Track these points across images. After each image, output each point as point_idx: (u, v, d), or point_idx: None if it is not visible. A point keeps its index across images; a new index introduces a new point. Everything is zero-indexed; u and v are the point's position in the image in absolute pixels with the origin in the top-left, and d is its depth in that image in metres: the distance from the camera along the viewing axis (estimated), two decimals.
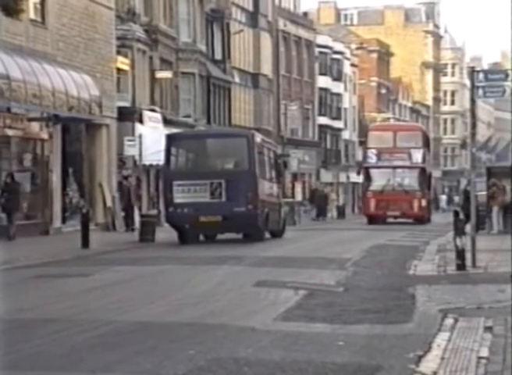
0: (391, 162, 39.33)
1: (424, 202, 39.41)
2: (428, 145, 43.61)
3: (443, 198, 78.99)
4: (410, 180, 39.54)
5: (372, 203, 39.19)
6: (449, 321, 9.35)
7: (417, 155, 39.76)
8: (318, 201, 47.53)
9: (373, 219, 38.55)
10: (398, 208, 38.75)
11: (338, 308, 10.51)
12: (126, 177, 30.75)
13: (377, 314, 10.07)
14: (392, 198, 38.51)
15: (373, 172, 39.85)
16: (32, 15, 26.63)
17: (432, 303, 10.90)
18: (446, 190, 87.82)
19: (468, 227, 16.17)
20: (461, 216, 16.48)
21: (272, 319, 9.81)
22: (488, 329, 8.75)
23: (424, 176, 40.19)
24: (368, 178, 40.25)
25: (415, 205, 38.91)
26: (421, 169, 39.93)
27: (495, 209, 26.00)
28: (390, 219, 39.33)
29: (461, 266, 14.66)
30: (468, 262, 14.86)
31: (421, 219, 38.74)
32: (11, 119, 24.69)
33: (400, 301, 11.20)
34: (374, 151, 40.07)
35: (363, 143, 49.09)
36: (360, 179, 46.64)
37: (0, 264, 16.49)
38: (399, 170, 39.52)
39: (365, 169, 40.50)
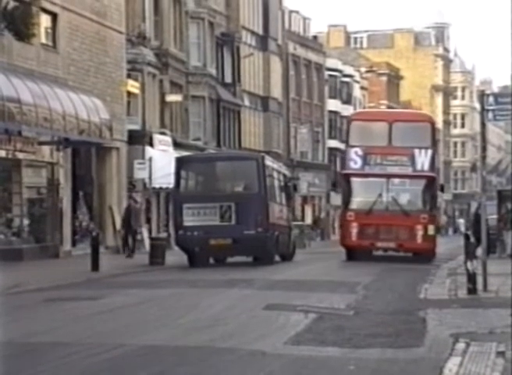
0: (384, 168, 25.60)
1: (431, 229, 25.46)
2: (436, 144, 30.06)
3: (461, 221, 76.88)
4: (412, 195, 26.01)
5: (354, 229, 25.42)
6: (460, 345, 9.29)
7: (424, 159, 25.57)
8: (323, 225, 50.39)
9: (354, 253, 25.86)
10: (393, 238, 25.30)
11: (348, 332, 10.45)
12: (130, 197, 30.07)
13: (388, 338, 10.01)
14: (385, 223, 25.23)
15: (356, 182, 25.79)
16: (43, 39, 26.80)
17: (443, 327, 10.83)
18: (457, 213, 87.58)
19: (479, 251, 16.10)
20: (472, 239, 16.41)
21: (283, 342, 9.76)
22: (501, 354, 8.68)
23: (433, 191, 26.13)
24: (348, 192, 26.00)
25: (418, 232, 25.13)
26: (429, 179, 25.74)
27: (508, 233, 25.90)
28: (379, 252, 26.72)
29: (472, 290, 14.58)
30: (479, 286, 14.78)
31: (426, 254, 25.72)
32: (22, 143, 24.78)
33: (410, 325, 11.14)
34: (358, 151, 25.70)
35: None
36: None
37: (10, 287, 16.49)
38: (395, 181, 25.65)
39: (345, 178, 26.26)
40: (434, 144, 26.97)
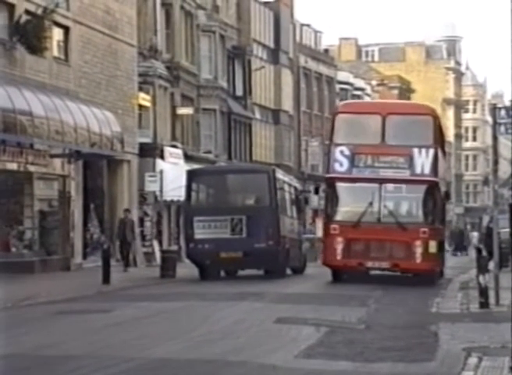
0: (376, 171, 21.58)
1: (433, 246, 21.29)
2: (442, 143, 24.41)
3: (475, 234, 74.22)
4: (410, 204, 22.18)
5: (338, 245, 21.31)
6: (473, 360, 9.24)
7: (424, 160, 21.58)
8: None
9: (340, 273, 22.04)
10: (386, 256, 21.26)
11: (360, 346, 10.41)
12: (126, 210, 29.42)
13: (399, 352, 9.97)
14: (377, 238, 21.19)
15: (342, 188, 21.76)
16: (55, 52, 26.92)
17: (456, 341, 10.78)
18: (469, 227, 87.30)
19: (491, 265, 16.03)
20: (484, 253, 16.36)
21: (294, 356, 9.73)
22: None
23: (435, 199, 21.81)
24: (332, 200, 21.85)
25: (417, 250, 21.05)
26: (430, 185, 21.60)
27: None
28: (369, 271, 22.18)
29: (484, 304, 14.51)
30: (492, 299, 14.71)
31: (430, 274, 21.58)
32: (33, 156, 24.86)
33: (422, 339, 11.09)
34: (345, 150, 21.71)
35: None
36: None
37: (22, 300, 16.50)
38: (389, 187, 21.52)
39: (329, 184, 22.10)
40: (437, 142, 22.22)
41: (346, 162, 21.69)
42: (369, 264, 21.39)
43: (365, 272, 21.84)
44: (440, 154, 22.65)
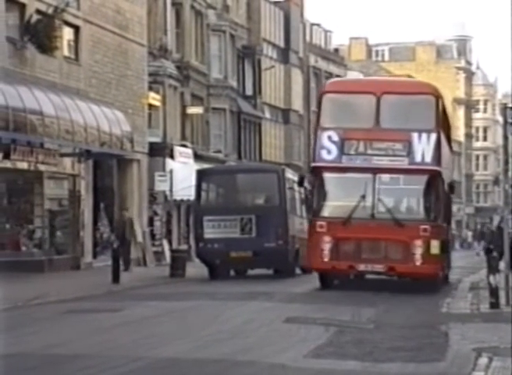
0: (369, 159, 18.84)
1: (435, 246, 18.50)
2: (446, 127, 21.84)
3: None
4: (410, 198, 19.48)
5: (326, 245, 18.74)
6: (483, 360, 9.21)
7: (425, 147, 18.75)
8: None
9: (328, 278, 19.52)
10: (380, 258, 18.63)
11: (369, 346, 10.38)
12: (123, 209, 29.31)
13: (409, 352, 9.93)
14: (370, 236, 18.57)
15: (330, 179, 19.13)
16: (66, 52, 26.95)
17: (466, 342, 10.74)
18: (479, 227, 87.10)
19: (502, 265, 15.98)
20: (495, 253, 16.30)
21: (303, 356, 9.71)
22: None
23: (439, 192, 19.02)
24: (319, 193, 19.23)
25: (418, 250, 18.36)
26: (432, 175, 18.82)
27: None
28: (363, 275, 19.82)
29: (495, 304, 14.46)
30: (502, 300, 14.66)
31: (431, 279, 18.92)
32: (44, 155, 24.90)
33: (432, 339, 11.05)
34: (333, 135, 19.01)
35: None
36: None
37: (31, 299, 16.53)
38: (385, 177, 18.89)
39: (315, 174, 19.42)
40: (439, 125, 19.31)
41: (334, 149, 18.90)
42: (361, 267, 18.62)
43: (359, 276, 19.39)
44: (443, 139, 19.75)
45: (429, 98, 19.21)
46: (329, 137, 18.94)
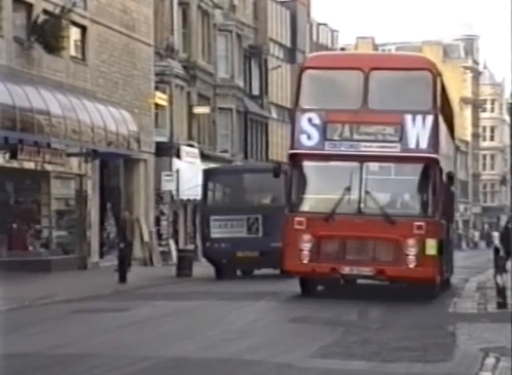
0: (355, 145, 16.48)
1: (431, 245, 16.16)
2: (446, 109, 18.75)
3: (495, 234, 53.95)
4: (403, 190, 17.00)
5: (305, 244, 16.36)
6: (490, 360, 9.19)
7: (420, 131, 16.37)
8: None
9: (308, 283, 17.26)
10: (368, 259, 16.31)
11: (376, 346, 10.37)
12: (125, 210, 29.20)
13: (416, 352, 9.92)
14: (356, 234, 16.27)
15: (310, 169, 16.91)
16: (73, 52, 26.99)
17: (473, 342, 10.72)
18: (486, 226, 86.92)
19: (509, 264, 15.94)
20: (502, 253, 16.25)
21: (309, 355, 9.70)
22: None
23: (436, 183, 16.59)
24: (298, 183, 16.93)
25: (411, 251, 16.03)
26: (428, 163, 16.49)
27: None
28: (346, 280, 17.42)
29: (502, 304, 14.43)
30: (509, 300, 14.62)
31: (428, 283, 16.52)
32: (50, 155, 24.93)
33: (439, 340, 11.03)
34: (314, 118, 16.64)
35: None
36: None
37: (39, 299, 16.56)
38: (373, 166, 16.54)
39: (293, 162, 16.97)
40: (437, 106, 16.74)
41: (315, 134, 16.44)
42: (345, 270, 16.15)
43: (341, 279, 16.76)
44: (442, 123, 17.18)
45: (425, 74, 16.60)
46: (310, 120, 16.52)
